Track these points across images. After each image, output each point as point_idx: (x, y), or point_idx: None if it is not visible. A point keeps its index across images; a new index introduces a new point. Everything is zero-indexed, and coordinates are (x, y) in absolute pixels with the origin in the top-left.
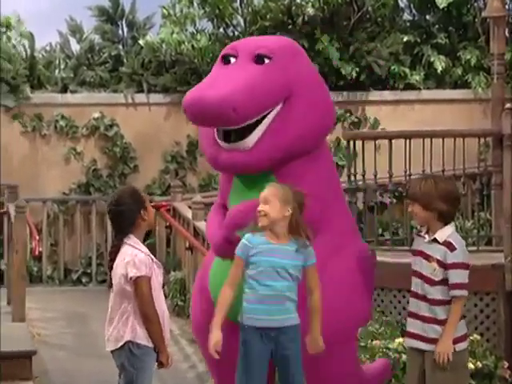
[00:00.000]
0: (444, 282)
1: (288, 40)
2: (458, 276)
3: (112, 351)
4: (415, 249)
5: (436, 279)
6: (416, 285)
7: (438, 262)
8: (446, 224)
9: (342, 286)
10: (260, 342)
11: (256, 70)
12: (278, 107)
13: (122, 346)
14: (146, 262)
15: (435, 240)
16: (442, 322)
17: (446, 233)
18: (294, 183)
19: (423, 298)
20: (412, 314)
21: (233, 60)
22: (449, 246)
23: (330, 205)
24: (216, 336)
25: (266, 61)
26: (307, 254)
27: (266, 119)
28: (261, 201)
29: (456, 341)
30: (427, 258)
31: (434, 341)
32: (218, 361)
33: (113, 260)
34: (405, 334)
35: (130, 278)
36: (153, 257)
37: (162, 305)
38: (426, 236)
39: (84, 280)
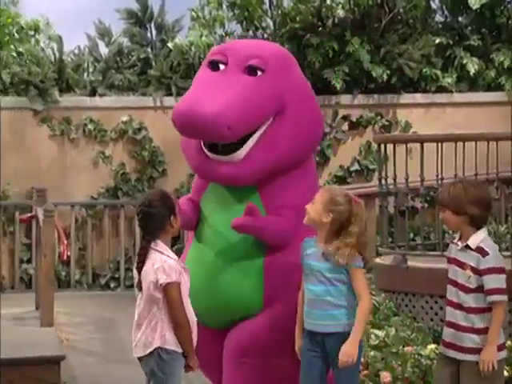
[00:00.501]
0: (479, 289)
1: (280, 49)
2: (494, 281)
3: (140, 358)
4: (449, 256)
5: (471, 287)
6: (451, 293)
7: (472, 268)
8: (478, 229)
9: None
10: (309, 344)
11: (249, 82)
12: (269, 121)
13: (150, 353)
14: (176, 268)
15: (468, 246)
16: (479, 331)
17: (479, 238)
18: (275, 195)
19: (459, 306)
20: (448, 323)
21: (222, 67)
22: (481, 251)
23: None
24: (299, 344)
25: (259, 73)
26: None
27: (256, 132)
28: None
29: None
30: (461, 265)
31: (470, 350)
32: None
33: (142, 262)
34: (441, 342)
35: (160, 285)
36: (181, 262)
37: (190, 310)
38: (459, 243)
39: (112, 285)
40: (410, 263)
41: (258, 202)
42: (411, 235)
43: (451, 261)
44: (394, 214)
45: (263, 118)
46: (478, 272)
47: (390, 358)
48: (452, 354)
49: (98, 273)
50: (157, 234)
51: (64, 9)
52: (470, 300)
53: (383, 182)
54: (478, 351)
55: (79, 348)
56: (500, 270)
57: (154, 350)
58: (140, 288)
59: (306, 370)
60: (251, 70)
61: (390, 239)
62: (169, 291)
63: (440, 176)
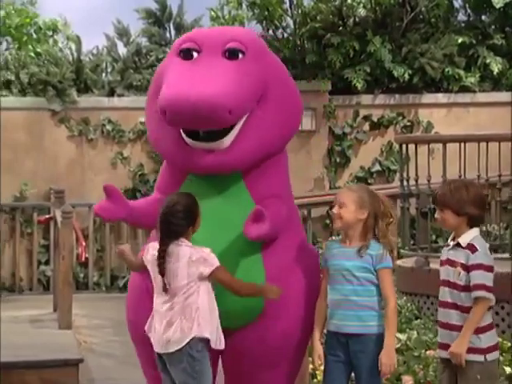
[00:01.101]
0: (469, 287)
1: (253, 32)
2: (479, 277)
3: (168, 354)
4: (441, 259)
5: (462, 284)
6: (444, 293)
7: (462, 265)
8: (472, 228)
9: (303, 292)
10: (332, 346)
11: (233, 66)
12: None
13: (181, 349)
14: (213, 255)
15: (459, 245)
16: (474, 331)
17: (470, 236)
18: (261, 183)
19: (453, 305)
20: (443, 325)
21: (195, 55)
22: (471, 248)
23: (290, 207)
24: (318, 349)
25: (240, 55)
26: (379, 257)
27: (241, 118)
28: (336, 204)
29: (488, 350)
30: (452, 263)
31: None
32: None
33: (162, 265)
34: (437, 345)
35: (204, 276)
36: None
37: (212, 297)
38: (451, 243)
39: None
40: (432, 265)
41: (244, 191)
42: (433, 237)
43: (443, 263)
44: (416, 215)
45: (254, 102)
46: (467, 268)
47: (412, 361)
48: (446, 354)
49: (116, 275)
50: (176, 236)
51: (78, 8)
52: (463, 298)
53: (405, 183)
54: (470, 350)
55: (97, 351)
56: (488, 268)
57: (189, 341)
58: (166, 289)
59: (325, 373)
60: (231, 54)
61: (412, 241)
62: (217, 277)
63: (463, 177)
